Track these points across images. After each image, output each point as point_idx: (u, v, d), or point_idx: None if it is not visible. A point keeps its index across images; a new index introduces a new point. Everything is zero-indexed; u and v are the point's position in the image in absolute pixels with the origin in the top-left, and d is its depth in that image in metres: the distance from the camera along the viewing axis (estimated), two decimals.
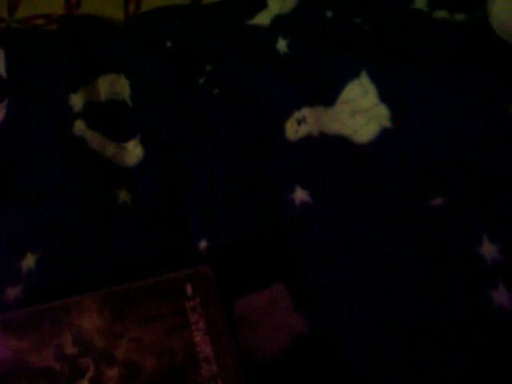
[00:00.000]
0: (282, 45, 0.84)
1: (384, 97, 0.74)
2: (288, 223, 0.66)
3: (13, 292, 0.62)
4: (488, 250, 0.59)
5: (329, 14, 0.89)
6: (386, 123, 0.72)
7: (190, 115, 0.80)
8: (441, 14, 0.86)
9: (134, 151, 0.76)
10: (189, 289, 0.52)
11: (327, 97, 0.78)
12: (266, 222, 0.66)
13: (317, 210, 0.67)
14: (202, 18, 0.96)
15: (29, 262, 0.64)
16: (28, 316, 0.51)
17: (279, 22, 0.90)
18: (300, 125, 0.74)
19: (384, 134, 0.72)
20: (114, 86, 0.85)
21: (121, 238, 0.67)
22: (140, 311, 0.50)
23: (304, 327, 0.56)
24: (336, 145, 0.73)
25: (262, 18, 0.92)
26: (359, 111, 0.75)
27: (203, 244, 0.65)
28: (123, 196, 0.70)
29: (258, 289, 0.60)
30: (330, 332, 0.56)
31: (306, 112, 0.75)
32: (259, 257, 0.63)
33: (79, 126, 0.77)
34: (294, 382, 0.53)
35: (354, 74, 0.77)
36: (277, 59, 0.84)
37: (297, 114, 0.76)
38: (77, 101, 0.80)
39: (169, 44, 0.92)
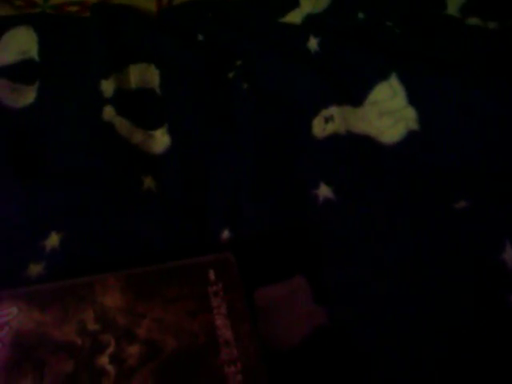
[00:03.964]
0: (312, 43, 0.85)
1: (412, 99, 0.74)
2: (310, 218, 0.66)
3: (35, 269, 0.63)
4: (510, 255, 0.59)
5: (360, 15, 0.89)
6: (413, 125, 0.72)
7: (218, 108, 0.81)
8: (473, 21, 0.86)
9: (161, 139, 0.77)
10: (212, 274, 0.52)
11: (356, 97, 0.78)
12: (288, 215, 0.66)
13: (339, 207, 0.67)
14: (234, 13, 0.97)
15: (53, 240, 0.65)
16: (52, 290, 0.52)
17: (311, 21, 0.90)
18: (327, 123, 0.75)
19: (410, 135, 0.72)
20: (144, 74, 0.86)
21: (144, 224, 0.67)
22: (162, 293, 0.50)
23: (323, 319, 0.57)
24: (362, 144, 0.73)
25: (294, 17, 0.93)
26: (387, 112, 0.75)
27: (225, 234, 0.66)
28: (148, 183, 0.71)
29: (279, 280, 0.60)
30: (349, 325, 0.56)
31: (333, 110, 0.76)
32: (281, 249, 0.63)
33: (109, 112, 0.78)
34: (311, 371, 0.53)
35: (384, 76, 0.77)
36: (307, 57, 0.84)
37: (324, 112, 0.76)
38: (107, 87, 0.81)
39: (200, 37, 0.92)
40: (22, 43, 0.94)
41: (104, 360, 0.46)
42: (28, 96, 0.86)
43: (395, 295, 0.58)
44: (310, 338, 0.56)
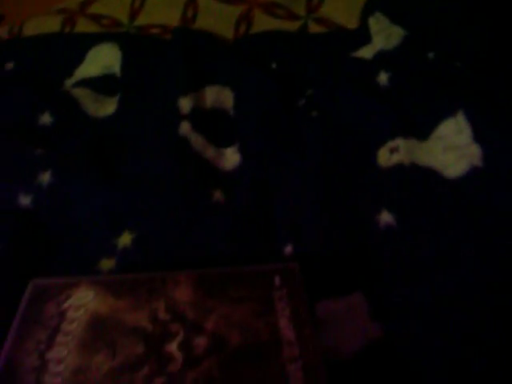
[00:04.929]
0: (382, 78, 0.88)
1: (478, 137, 0.76)
2: (371, 240, 0.68)
3: (107, 263, 0.67)
4: None
5: (430, 55, 0.92)
6: (477, 162, 0.74)
7: (287, 132, 0.85)
8: None
9: (231, 157, 0.81)
10: (277, 280, 0.55)
11: (422, 130, 0.80)
12: (349, 236, 0.69)
13: (400, 234, 0.69)
14: (308, 45, 1.01)
15: (125, 239, 0.69)
16: (126, 281, 0.56)
17: (382, 57, 0.93)
18: (393, 153, 0.77)
19: (474, 172, 0.74)
20: (219, 96, 0.91)
21: (210, 233, 0.71)
22: (230, 293, 0.53)
23: (378, 335, 0.58)
24: (426, 176, 0.75)
25: (366, 52, 0.96)
26: (452, 148, 0.77)
27: (289, 249, 0.68)
28: (217, 195, 0.75)
29: (338, 296, 0.62)
30: (402, 342, 0.58)
31: (399, 142, 0.78)
32: (341, 267, 0.65)
33: (185, 127, 0.83)
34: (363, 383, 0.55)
35: (451, 113, 0.79)
36: (376, 90, 0.87)
37: (390, 143, 0.78)
38: (185, 104, 0.86)
39: (274, 65, 0.97)
40: (106, 59, 1.01)
41: (173, 347, 0.49)
42: (109, 107, 0.92)
43: (453, 318, 0.59)
44: (363, 352, 0.57)
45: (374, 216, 0.71)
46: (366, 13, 0.98)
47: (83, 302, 0.53)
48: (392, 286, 0.63)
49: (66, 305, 0.52)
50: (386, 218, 0.70)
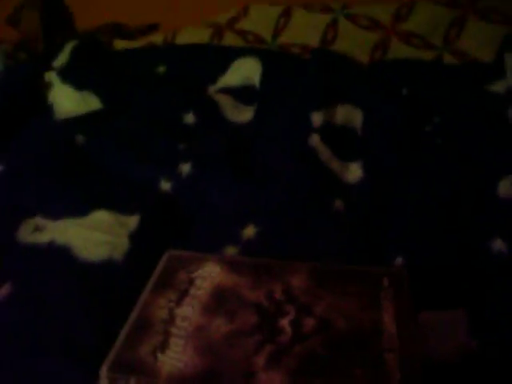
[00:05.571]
0: None
1: None
2: (481, 263, 0.71)
3: (231, 250, 0.73)
4: None
5: None
6: None
7: (410, 155, 0.88)
8: None
9: (355, 171, 0.86)
10: (385, 281, 0.59)
11: None
12: (460, 256, 0.71)
13: (511, 261, 0.71)
14: (441, 74, 1.04)
15: (249, 232, 0.75)
16: (249, 263, 0.63)
17: None
18: None
19: None
20: (349, 114, 0.96)
21: (328, 238, 0.75)
22: (340, 287, 0.58)
23: (474, 352, 0.60)
24: None
25: (499, 87, 0.98)
26: None
27: (399, 261, 0.72)
28: (338, 204, 0.80)
29: (441, 309, 0.65)
30: (501, 359, 0.60)
31: None
32: (447, 282, 0.68)
33: (315, 139, 0.89)
34: None
35: None
36: (506, 124, 0.89)
37: None
38: (317, 118, 0.93)
39: (404, 91, 1.01)
40: (247, 70, 1.09)
41: (284, 322, 0.54)
42: (246, 115, 1.00)
43: None
44: (459, 364, 0.60)
45: (486, 241, 0.73)
46: (503, 48, 1.00)
47: (210, 274, 0.60)
48: (497, 308, 0.65)
49: (195, 274, 0.60)
50: (499, 245, 0.72)
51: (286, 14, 1.19)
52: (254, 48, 1.17)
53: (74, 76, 1.08)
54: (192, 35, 1.22)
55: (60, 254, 0.71)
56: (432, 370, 0.54)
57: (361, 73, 1.07)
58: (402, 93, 1.01)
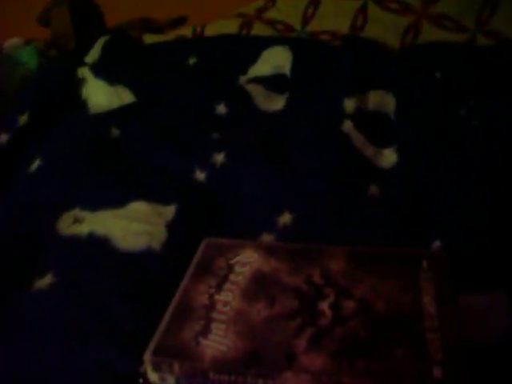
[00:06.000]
0: None
1: None
2: None
3: (267, 238, 0.74)
4: None
5: None
6: None
7: (445, 138, 0.88)
8: None
9: (389, 157, 0.86)
10: (425, 263, 0.59)
11: None
12: (500, 239, 0.71)
13: None
14: (474, 56, 1.03)
15: (285, 219, 0.76)
16: (287, 248, 0.63)
17: None
18: None
19: None
20: (382, 100, 0.96)
21: (364, 223, 0.75)
22: (380, 269, 0.58)
23: None
24: None
25: None
26: None
27: (437, 244, 0.71)
28: (373, 190, 0.79)
29: (481, 292, 0.65)
30: None
31: None
32: (487, 266, 0.68)
33: (348, 125, 0.89)
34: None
35: None
36: None
37: None
38: (349, 105, 0.92)
39: (437, 75, 1.00)
40: (278, 59, 1.09)
41: (324, 305, 0.54)
42: (278, 103, 1.00)
43: None
44: (499, 345, 0.59)
45: None
46: None
47: (249, 260, 0.60)
48: None
49: (234, 260, 0.60)
50: None
51: (315, 1, 1.18)
52: (283, 37, 1.17)
53: (106, 71, 1.10)
54: (221, 27, 1.23)
55: (100, 244, 0.72)
56: (472, 353, 0.54)
57: (392, 58, 1.06)
58: (435, 76, 1.00)
